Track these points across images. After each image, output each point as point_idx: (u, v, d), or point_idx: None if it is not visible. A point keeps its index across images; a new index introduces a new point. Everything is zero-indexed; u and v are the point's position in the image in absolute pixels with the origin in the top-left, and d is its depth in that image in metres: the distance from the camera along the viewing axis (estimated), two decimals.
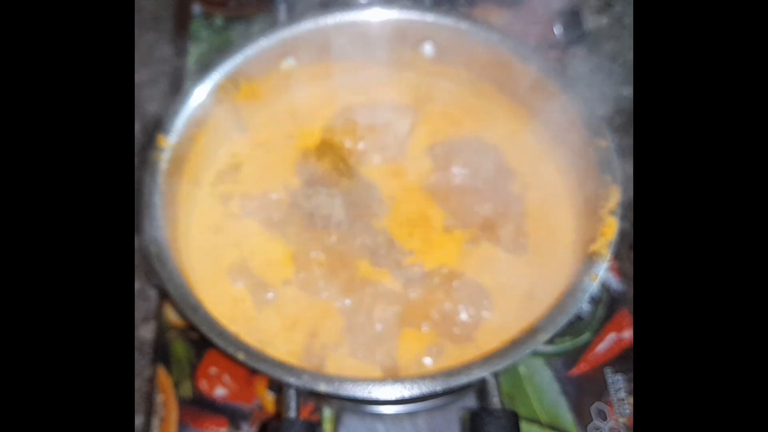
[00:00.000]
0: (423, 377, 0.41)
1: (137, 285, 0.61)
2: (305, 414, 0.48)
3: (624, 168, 0.64)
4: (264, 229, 0.53)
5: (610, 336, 0.51)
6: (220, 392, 0.49)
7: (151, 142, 0.50)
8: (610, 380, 0.49)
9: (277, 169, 0.56)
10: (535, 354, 0.50)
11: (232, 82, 0.54)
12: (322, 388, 0.40)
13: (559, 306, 0.43)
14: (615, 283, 0.53)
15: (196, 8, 0.67)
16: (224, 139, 0.57)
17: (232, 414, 0.49)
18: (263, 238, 0.53)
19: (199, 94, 0.53)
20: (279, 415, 0.48)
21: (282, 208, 0.54)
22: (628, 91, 0.70)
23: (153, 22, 0.78)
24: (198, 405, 0.49)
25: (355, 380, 0.41)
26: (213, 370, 0.50)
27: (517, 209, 0.53)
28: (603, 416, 0.48)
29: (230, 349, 0.42)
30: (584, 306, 0.51)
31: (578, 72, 0.72)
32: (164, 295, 0.53)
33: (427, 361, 0.47)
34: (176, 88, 0.54)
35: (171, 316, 0.52)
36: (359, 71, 0.59)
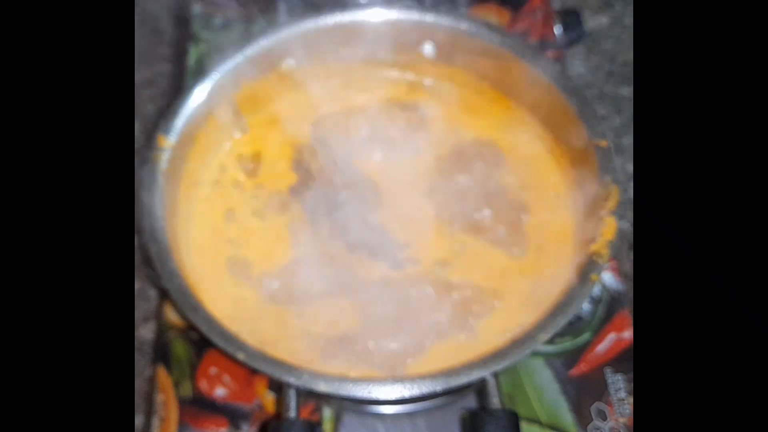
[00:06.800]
0: (423, 377, 0.41)
1: (137, 285, 0.61)
2: (305, 414, 0.48)
3: (624, 168, 0.64)
4: (264, 229, 0.53)
5: (610, 336, 0.51)
6: (220, 392, 0.49)
7: (151, 142, 0.50)
8: (610, 380, 0.49)
9: (277, 168, 0.56)
10: (535, 354, 0.50)
11: (232, 82, 0.54)
12: (322, 388, 0.40)
13: (559, 306, 0.43)
14: (615, 283, 0.53)
15: (196, 8, 0.67)
16: (224, 139, 0.57)
17: (232, 414, 0.49)
18: (264, 237, 0.53)
19: (199, 94, 0.53)
20: (279, 415, 0.48)
21: (282, 207, 0.54)
22: (628, 91, 0.71)
23: (153, 22, 0.78)
24: (198, 405, 0.49)
25: (355, 380, 0.41)
26: (213, 370, 0.50)
27: (516, 208, 0.53)
28: (603, 416, 0.48)
29: (230, 349, 0.42)
30: (584, 306, 0.51)
31: (578, 72, 0.72)
32: (164, 295, 0.53)
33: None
34: (176, 88, 0.54)
35: (171, 316, 0.52)
36: (359, 71, 0.59)
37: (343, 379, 0.41)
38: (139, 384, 0.56)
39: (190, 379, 0.50)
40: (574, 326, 0.51)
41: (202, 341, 0.49)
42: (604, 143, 0.49)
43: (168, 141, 0.51)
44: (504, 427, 0.39)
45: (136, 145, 0.65)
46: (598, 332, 0.51)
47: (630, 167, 0.62)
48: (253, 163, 0.56)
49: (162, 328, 0.52)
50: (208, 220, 0.53)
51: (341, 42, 0.57)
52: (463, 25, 0.55)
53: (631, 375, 0.49)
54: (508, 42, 0.54)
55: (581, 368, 0.50)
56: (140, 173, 0.49)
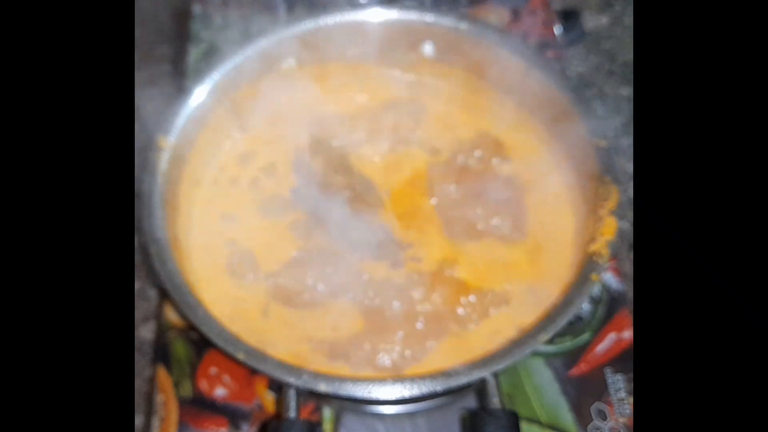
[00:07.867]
0: (423, 377, 0.41)
1: (137, 285, 0.60)
2: (305, 414, 0.48)
3: (624, 168, 0.64)
4: (264, 229, 0.53)
5: (610, 336, 0.51)
6: (220, 392, 0.49)
7: (151, 142, 0.50)
8: (610, 380, 0.49)
9: (277, 169, 0.56)
10: (535, 354, 0.50)
11: (232, 82, 0.54)
12: (322, 388, 0.40)
13: (559, 306, 0.43)
14: (615, 283, 0.53)
15: (196, 8, 0.67)
16: (224, 139, 0.57)
17: (232, 414, 0.49)
18: (264, 237, 0.53)
19: (199, 94, 0.53)
20: (279, 415, 0.48)
21: (282, 207, 0.54)
22: (628, 91, 0.71)
23: (153, 22, 0.78)
24: (198, 405, 0.49)
25: (355, 380, 0.41)
26: (213, 370, 0.50)
27: (516, 208, 0.53)
28: (603, 416, 0.48)
29: (230, 349, 0.42)
30: (584, 306, 0.51)
31: (578, 72, 0.72)
32: (164, 295, 0.53)
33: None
34: (176, 88, 0.54)
35: (171, 316, 0.52)
36: (359, 71, 0.59)
37: (343, 379, 0.41)
38: (139, 384, 0.56)
39: (190, 379, 0.50)
40: (574, 326, 0.51)
41: (202, 341, 0.50)
42: (604, 143, 0.49)
43: (168, 141, 0.51)
44: (504, 427, 0.39)
45: (136, 145, 0.65)
46: (598, 332, 0.51)
47: (630, 167, 0.62)
48: (253, 163, 0.56)
49: (162, 328, 0.52)
50: (208, 220, 0.53)
51: (341, 42, 0.57)
52: (463, 25, 0.55)
53: (631, 375, 0.49)
54: (508, 42, 0.54)
55: (581, 368, 0.50)
56: (140, 173, 0.49)
